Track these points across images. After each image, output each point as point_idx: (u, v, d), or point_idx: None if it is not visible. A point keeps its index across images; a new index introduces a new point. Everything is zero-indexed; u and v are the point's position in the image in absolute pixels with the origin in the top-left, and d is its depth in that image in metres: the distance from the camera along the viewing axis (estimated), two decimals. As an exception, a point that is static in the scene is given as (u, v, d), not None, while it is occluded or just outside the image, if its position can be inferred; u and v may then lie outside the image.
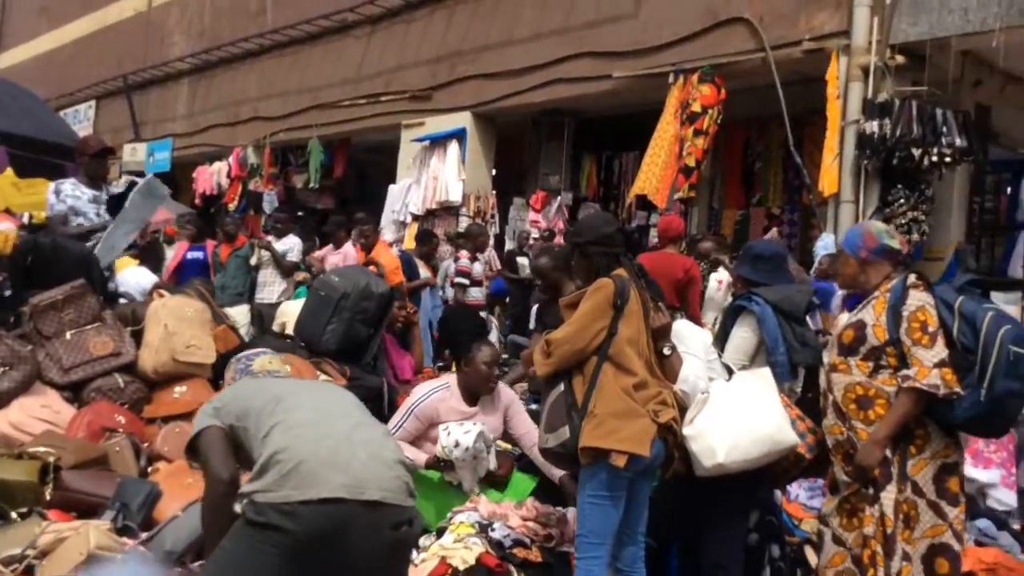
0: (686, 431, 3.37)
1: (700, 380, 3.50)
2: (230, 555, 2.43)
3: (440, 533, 3.97)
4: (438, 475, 4.29)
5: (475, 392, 4.38)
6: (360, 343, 5.12)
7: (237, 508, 2.52)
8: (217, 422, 2.74)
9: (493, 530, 3.83)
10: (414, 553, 3.90)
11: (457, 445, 4.11)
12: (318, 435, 2.54)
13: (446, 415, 4.30)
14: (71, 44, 20.04)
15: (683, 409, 3.43)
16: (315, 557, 2.40)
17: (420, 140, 11.69)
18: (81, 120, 18.71)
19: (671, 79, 8.67)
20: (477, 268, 8.80)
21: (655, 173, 8.53)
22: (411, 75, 11.94)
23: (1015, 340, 3.11)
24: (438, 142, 11.46)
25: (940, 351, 3.19)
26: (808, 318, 4.37)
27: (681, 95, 8.54)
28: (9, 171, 7.01)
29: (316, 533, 2.37)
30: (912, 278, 3.37)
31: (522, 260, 9.82)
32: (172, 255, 9.67)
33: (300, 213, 13.68)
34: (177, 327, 4.68)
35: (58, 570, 3.11)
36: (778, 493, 4.19)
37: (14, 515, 3.52)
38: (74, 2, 19.78)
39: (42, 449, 3.85)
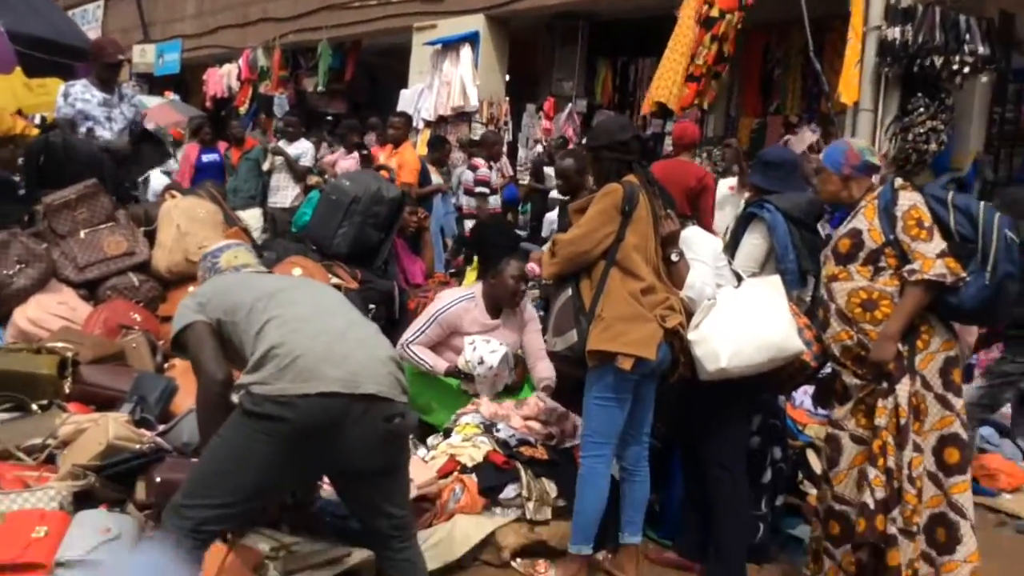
0: (691, 336, 3.41)
1: (707, 287, 3.52)
2: (228, 443, 2.51)
3: (447, 434, 4.08)
4: (455, 381, 4.37)
5: (499, 305, 4.42)
6: (371, 247, 5.14)
7: (234, 398, 2.58)
8: (203, 317, 2.77)
9: (498, 430, 3.92)
10: (423, 451, 4.02)
11: (482, 362, 4.18)
12: (315, 331, 2.58)
13: (469, 325, 4.36)
14: (78, -59, 19.61)
15: (690, 315, 3.46)
16: (311, 446, 2.48)
17: (432, 44, 11.50)
18: (89, 20, 18.42)
19: (690, -20, 8.43)
20: (492, 176, 8.75)
21: (673, 79, 8.35)
22: (423, -24, 11.69)
23: (1009, 226, 3.30)
24: (450, 46, 11.27)
25: (939, 243, 3.28)
26: (820, 227, 4.36)
27: (700, -2, 8.31)
28: (18, 70, 6.94)
29: (312, 424, 2.44)
30: (899, 181, 3.47)
31: (551, 170, 9.72)
32: (182, 157, 9.65)
33: (329, 118, 13.53)
34: (190, 228, 4.72)
35: (79, 458, 3.22)
36: (781, 397, 4.26)
37: (35, 407, 3.63)
38: None
39: (60, 344, 3.94)
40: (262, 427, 2.44)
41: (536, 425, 4.02)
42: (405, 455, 2.82)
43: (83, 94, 5.65)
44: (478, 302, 4.42)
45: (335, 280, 4.74)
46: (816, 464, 4.34)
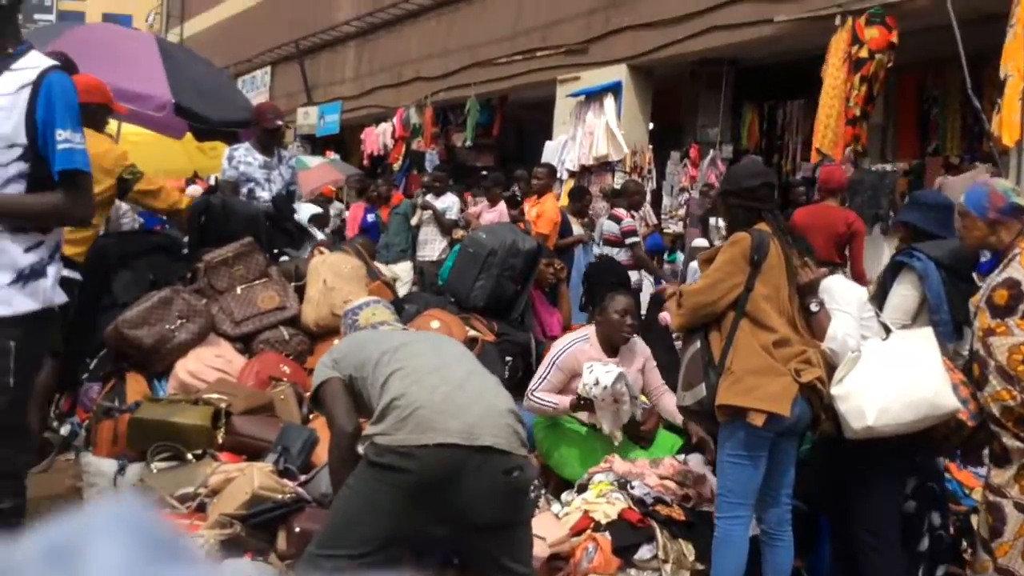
0: (834, 391, 3.24)
1: (851, 338, 3.34)
2: (354, 492, 2.60)
3: (581, 490, 4.03)
4: (585, 428, 4.34)
5: (612, 342, 4.41)
6: (508, 299, 5.21)
7: (360, 450, 2.66)
8: (337, 374, 2.89)
9: (632, 488, 3.84)
10: (557, 507, 3.99)
11: (597, 383, 4.14)
12: (433, 383, 2.65)
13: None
14: (248, 12, 21.09)
15: (832, 368, 3.30)
16: (432, 497, 2.52)
17: (575, 95, 11.63)
18: (258, 85, 19.72)
19: (837, 21, 8.21)
20: (637, 225, 8.68)
21: (827, 124, 8.14)
22: (566, 29, 11.88)
23: None
24: (594, 96, 11.36)
25: None
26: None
27: (848, 39, 8.07)
28: (189, 135, 7.50)
29: (432, 475, 2.49)
30: None
31: (717, 222, 9.53)
32: (349, 217, 10.15)
33: (484, 173, 13.94)
34: (335, 283, 4.91)
35: (226, 507, 3.37)
36: (941, 459, 3.98)
37: (190, 456, 3.84)
38: (251, -29, 20.79)
39: (215, 396, 4.16)
40: (385, 477, 2.51)
41: (672, 485, 3.92)
42: (526, 510, 2.82)
43: (245, 157, 6.03)
44: (593, 342, 4.41)
45: (472, 332, 4.81)
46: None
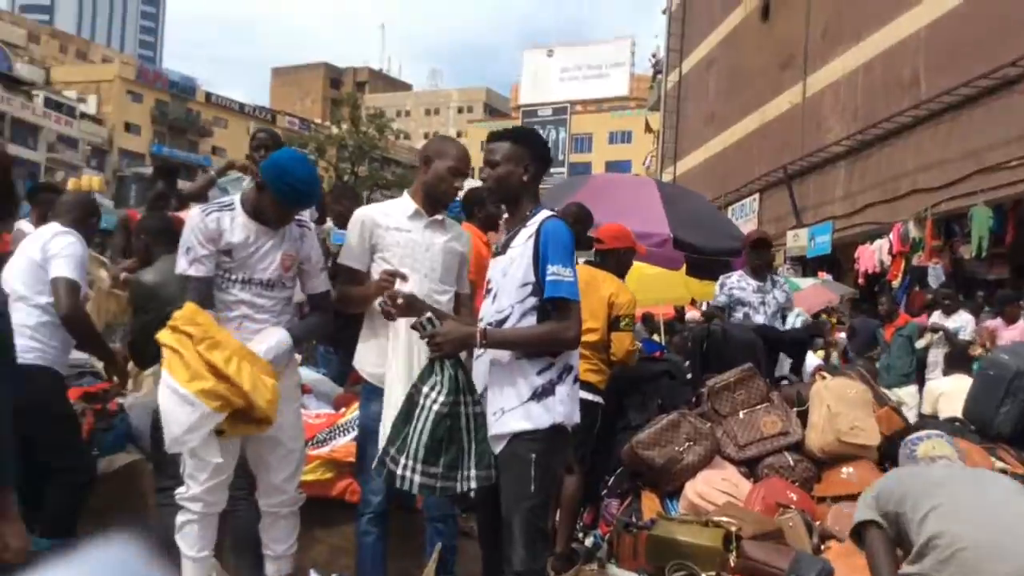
0: None
1: None
2: None
3: None
4: None
5: None
6: (1044, 427, 4.66)
7: None
8: (876, 515, 2.81)
9: None
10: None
11: None
12: (977, 523, 2.47)
13: None
14: (734, 144, 22.01)
15: None
16: None
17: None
18: (746, 213, 20.29)
19: None
20: None
21: None
22: (1091, 120, 10.55)
23: None
24: None
25: None
26: None
27: None
28: (683, 268, 8.03)
29: None
30: None
31: None
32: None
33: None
34: (839, 408, 4.81)
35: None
36: None
37: (703, 576, 3.99)
38: (736, 106, 21.78)
39: (725, 519, 4.27)
40: None
41: None
42: None
43: (738, 283, 6.33)
44: None
45: (999, 464, 4.37)
46: None
